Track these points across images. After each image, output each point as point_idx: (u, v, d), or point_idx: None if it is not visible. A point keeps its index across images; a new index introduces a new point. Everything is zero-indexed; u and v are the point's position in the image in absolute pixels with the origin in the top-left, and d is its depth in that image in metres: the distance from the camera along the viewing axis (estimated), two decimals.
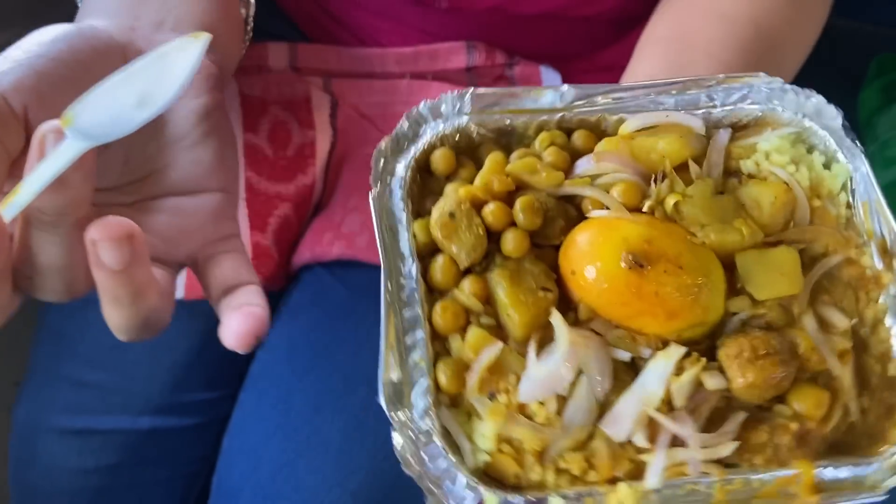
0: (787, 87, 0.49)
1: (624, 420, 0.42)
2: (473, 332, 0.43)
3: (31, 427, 0.79)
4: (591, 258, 0.44)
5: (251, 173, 0.78)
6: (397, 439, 0.41)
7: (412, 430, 0.41)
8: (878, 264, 0.46)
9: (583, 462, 0.42)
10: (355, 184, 0.81)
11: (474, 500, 0.40)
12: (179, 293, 0.76)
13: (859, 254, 0.46)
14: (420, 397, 0.42)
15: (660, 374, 0.42)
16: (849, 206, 0.47)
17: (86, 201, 0.40)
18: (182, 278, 0.75)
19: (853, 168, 0.48)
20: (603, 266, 0.43)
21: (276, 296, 0.82)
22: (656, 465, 0.41)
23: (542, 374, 0.42)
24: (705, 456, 0.41)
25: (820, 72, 0.96)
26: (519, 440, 0.42)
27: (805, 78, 0.94)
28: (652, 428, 0.42)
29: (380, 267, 0.46)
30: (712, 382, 0.42)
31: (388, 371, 0.42)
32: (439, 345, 0.44)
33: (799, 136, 0.49)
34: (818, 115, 0.49)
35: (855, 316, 0.45)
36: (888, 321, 0.45)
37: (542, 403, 0.42)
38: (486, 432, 0.41)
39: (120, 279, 0.38)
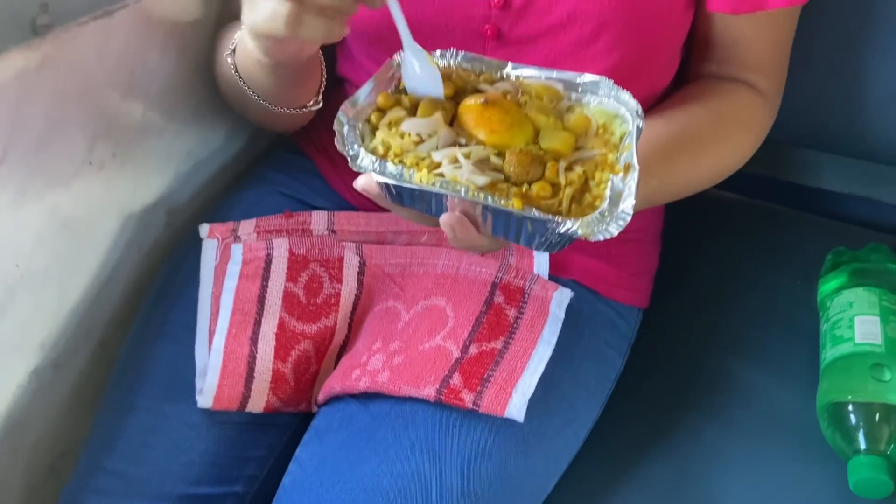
0: (618, 89, 0.89)
1: (440, 153, 0.81)
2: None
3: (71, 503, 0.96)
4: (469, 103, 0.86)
5: (285, 314, 0.98)
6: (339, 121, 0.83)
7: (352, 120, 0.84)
8: (621, 164, 0.83)
9: (416, 161, 0.81)
10: (377, 330, 1.00)
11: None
12: (208, 403, 0.96)
13: (609, 153, 0.83)
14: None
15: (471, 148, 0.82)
16: (621, 139, 0.85)
17: None
18: (211, 391, 0.96)
19: (630, 130, 0.85)
20: (472, 104, 0.85)
21: (305, 417, 1.01)
22: (444, 164, 0.80)
23: (415, 122, 0.83)
24: (469, 175, 0.79)
25: (785, 259, 1.22)
26: (392, 146, 0.83)
27: (772, 264, 1.21)
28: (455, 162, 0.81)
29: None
30: (494, 159, 0.81)
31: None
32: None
33: (616, 114, 0.88)
34: (629, 108, 0.88)
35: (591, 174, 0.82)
36: (607, 191, 0.80)
37: (410, 137, 0.83)
38: (378, 135, 0.83)
39: None
